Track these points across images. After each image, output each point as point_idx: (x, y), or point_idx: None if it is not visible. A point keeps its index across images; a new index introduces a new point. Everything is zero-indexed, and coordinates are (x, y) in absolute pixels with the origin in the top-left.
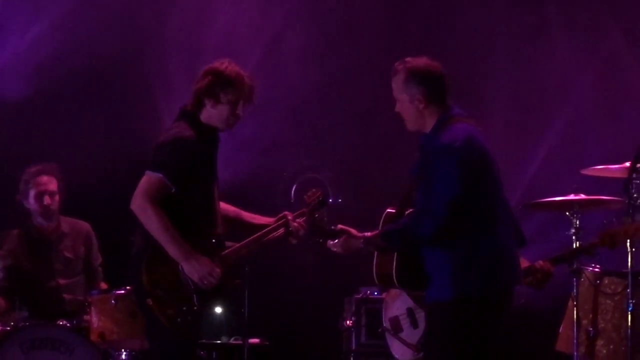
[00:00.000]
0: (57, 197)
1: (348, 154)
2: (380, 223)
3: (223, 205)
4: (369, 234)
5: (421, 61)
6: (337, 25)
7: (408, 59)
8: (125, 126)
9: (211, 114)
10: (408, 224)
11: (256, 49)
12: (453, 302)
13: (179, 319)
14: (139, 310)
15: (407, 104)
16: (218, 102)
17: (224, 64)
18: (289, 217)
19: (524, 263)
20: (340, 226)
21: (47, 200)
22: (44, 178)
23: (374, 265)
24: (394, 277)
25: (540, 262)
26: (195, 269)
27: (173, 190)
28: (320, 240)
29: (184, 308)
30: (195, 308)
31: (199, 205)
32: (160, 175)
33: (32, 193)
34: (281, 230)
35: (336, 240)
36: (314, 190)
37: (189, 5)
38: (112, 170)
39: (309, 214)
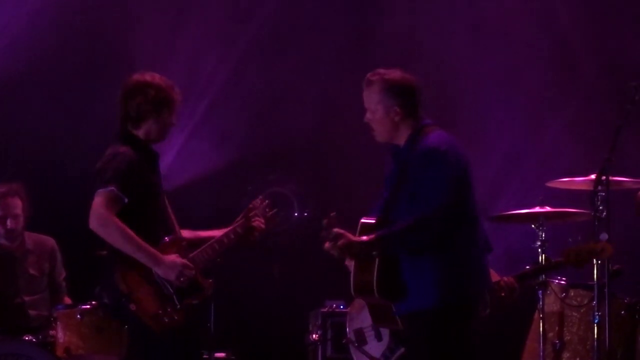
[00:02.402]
0: (21, 219)
1: (314, 167)
2: (357, 233)
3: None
4: (365, 238)
5: (396, 74)
6: (300, 39)
7: (381, 70)
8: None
9: (152, 128)
10: (406, 229)
11: (217, 59)
12: (435, 310)
13: (165, 319)
14: (113, 326)
15: (382, 116)
16: (161, 116)
17: (154, 77)
18: (245, 217)
19: (494, 277)
20: (337, 230)
21: (10, 223)
22: (9, 200)
23: (353, 274)
24: (374, 287)
25: (505, 278)
26: (170, 270)
27: (126, 200)
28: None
29: (169, 309)
30: (179, 307)
31: (155, 212)
32: (112, 188)
33: None
34: (239, 232)
35: (334, 242)
36: (260, 198)
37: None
38: (75, 180)
39: (262, 215)
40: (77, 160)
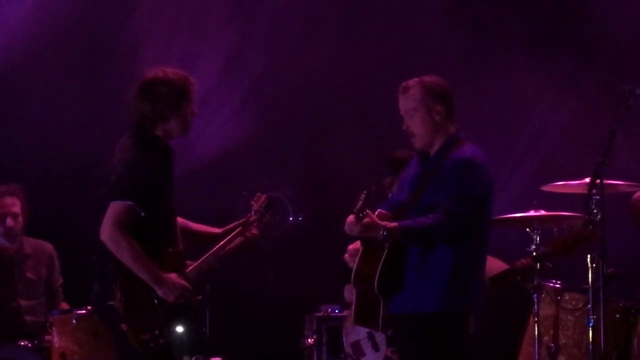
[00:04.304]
0: (20, 219)
1: (308, 172)
2: None
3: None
4: (389, 224)
5: (435, 78)
6: (297, 41)
7: (419, 77)
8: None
9: (171, 124)
10: (430, 224)
11: (213, 65)
12: (434, 315)
13: (152, 344)
14: (108, 332)
15: (423, 116)
16: (178, 110)
17: (167, 72)
18: (243, 224)
19: (502, 265)
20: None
21: (9, 222)
22: (7, 200)
23: (357, 263)
24: (375, 278)
25: (523, 260)
26: (170, 291)
27: (142, 214)
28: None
29: (157, 332)
30: (166, 330)
31: (163, 225)
32: (131, 203)
33: None
34: (238, 241)
35: (359, 218)
36: (258, 194)
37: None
38: (72, 182)
39: (258, 220)
40: (74, 162)
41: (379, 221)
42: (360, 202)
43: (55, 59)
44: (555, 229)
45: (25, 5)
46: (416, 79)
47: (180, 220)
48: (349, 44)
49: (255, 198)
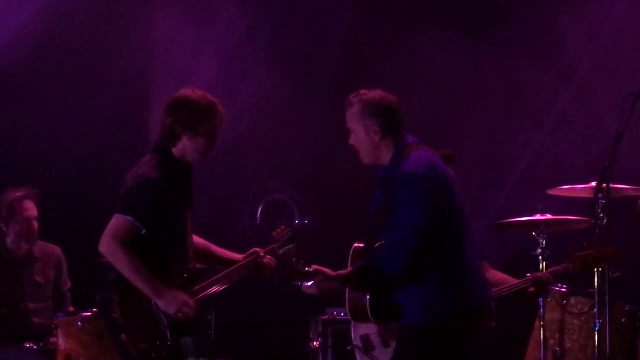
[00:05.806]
0: (37, 222)
1: (314, 175)
2: (349, 258)
3: (194, 238)
4: (343, 272)
5: (376, 93)
6: (300, 43)
7: (362, 91)
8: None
9: (187, 146)
10: (381, 259)
11: (217, 67)
12: (425, 326)
13: (153, 354)
14: (111, 338)
15: (362, 135)
16: (196, 134)
17: (196, 93)
18: (260, 254)
19: (506, 277)
20: (314, 267)
21: (34, 225)
22: (29, 203)
23: (347, 301)
24: (369, 312)
25: (539, 274)
26: (170, 304)
27: (143, 232)
28: (299, 284)
29: (158, 343)
30: (169, 343)
31: (171, 242)
32: (131, 218)
33: (18, 218)
34: (251, 268)
35: (312, 282)
36: (282, 227)
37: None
38: (80, 188)
39: (278, 251)
40: (81, 164)
41: (330, 273)
42: (299, 268)
43: (62, 59)
44: (575, 245)
45: (32, 2)
46: (358, 94)
47: (201, 242)
48: (356, 45)
49: (279, 230)
